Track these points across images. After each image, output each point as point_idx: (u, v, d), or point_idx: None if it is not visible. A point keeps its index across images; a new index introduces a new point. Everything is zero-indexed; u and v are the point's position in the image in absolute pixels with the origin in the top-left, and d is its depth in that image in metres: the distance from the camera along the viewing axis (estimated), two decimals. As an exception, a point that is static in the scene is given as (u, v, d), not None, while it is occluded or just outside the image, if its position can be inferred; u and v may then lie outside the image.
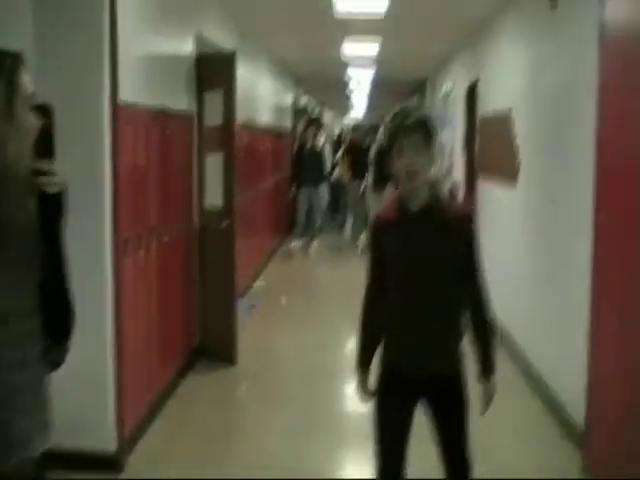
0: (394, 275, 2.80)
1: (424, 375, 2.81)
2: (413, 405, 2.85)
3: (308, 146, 11.88)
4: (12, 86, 1.68)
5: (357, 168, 12.22)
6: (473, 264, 2.81)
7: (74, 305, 1.92)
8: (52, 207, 1.80)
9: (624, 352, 3.63)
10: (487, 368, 2.85)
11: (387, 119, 2.85)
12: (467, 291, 2.82)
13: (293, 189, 11.75)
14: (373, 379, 2.92)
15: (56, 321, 1.88)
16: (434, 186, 2.78)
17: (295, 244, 11.67)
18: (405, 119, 2.71)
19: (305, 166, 11.61)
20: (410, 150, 2.66)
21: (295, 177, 11.82)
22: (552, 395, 5.01)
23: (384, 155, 3.14)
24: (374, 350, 2.95)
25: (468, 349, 2.84)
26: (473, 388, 2.84)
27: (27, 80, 1.74)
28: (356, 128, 13.95)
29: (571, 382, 4.54)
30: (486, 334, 2.85)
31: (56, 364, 1.93)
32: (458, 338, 2.83)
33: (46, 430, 1.85)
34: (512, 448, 4.50)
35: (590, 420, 4.11)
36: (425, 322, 2.76)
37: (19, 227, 1.72)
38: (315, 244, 11.98)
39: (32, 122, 1.73)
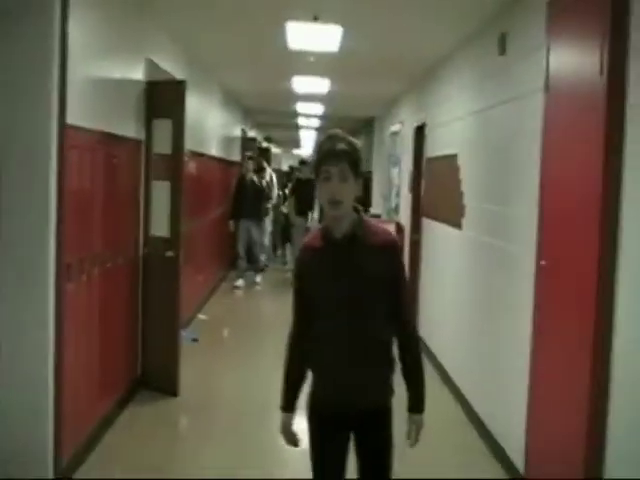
0: (319, 306, 2.74)
1: (352, 410, 2.77)
2: (346, 439, 2.82)
3: (248, 178, 11.69)
4: None
5: (302, 204, 12.42)
6: (400, 294, 2.76)
7: None
8: None
9: (563, 399, 3.71)
10: (417, 407, 2.82)
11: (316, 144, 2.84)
12: (396, 324, 2.77)
13: (231, 222, 11.50)
14: (298, 420, 2.90)
15: None
16: (358, 215, 2.74)
17: (239, 282, 11.51)
18: (333, 146, 2.67)
19: (245, 199, 11.43)
20: (336, 178, 2.63)
21: (233, 210, 11.57)
22: (493, 438, 5.05)
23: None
24: (299, 390, 2.89)
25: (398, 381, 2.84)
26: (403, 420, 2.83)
27: None
28: (303, 163, 14.00)
29: (512, 430, 4.60)
30: (416, 372, 2.82)
31: None
32: (387, 370, 2.80)
33: None
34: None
35: (529, 468, 4.19)
36: (351, 354, 2.70)
37: None
38: (257, 279, 11.89)
39: None
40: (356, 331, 2.69)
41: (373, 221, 2.86)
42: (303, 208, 12.53)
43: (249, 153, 12.44)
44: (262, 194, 11.92)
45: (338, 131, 2.77)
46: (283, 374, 2.92)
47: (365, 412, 2.78)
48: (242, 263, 11.59)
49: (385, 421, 2.82)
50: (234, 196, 11.58)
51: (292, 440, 2.91)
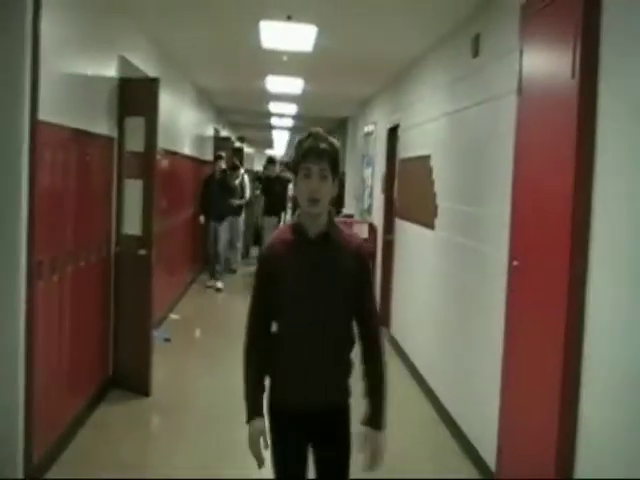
0: (283, 304, 2.71)
1: (312, 410, 2.75)
2: (306, 441, 2.79)
3: (217, 177, 11.50)
4: None
5: (272, 203, 12.39)
6: (367, 302, 2.76)
7: None
8: None
9: (534, 399, 3.75)
10: (376, 421, 2.74)
11: (297, 140, 2.80)
12: (361, 331, 2.76)
13: (202, 217, 11.29)
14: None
15: None
16: (331, 215, 2.76)
17: (220, 284, 11.35)
18: (315, 144, 2.68)
19: (212, 198, 11.24)
20: (317, 176, 2.65)
21: (201, 206, 11.38)
22: (466, 438, 5.10)
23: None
24: (263, 392, 2.79)
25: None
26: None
27: None
28: (271, 162, 13.70)
29: (483, 427, 4.66)
30: (379, 383, 2.75)
31: None
32: (347, 373, 2.79)
33: None
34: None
35: (500, 466, 4.24)
36: (313, 356, 2.69)
37: None
38: (219, 279, 11.46)
39: None
40: (323, 330, 2.68)
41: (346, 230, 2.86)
42: (273, 208, 12.50)
43: (220, 152, 12.27)
44: (231, 193, 11.79)
45: (320, 130, 2.77)
46: (244, 379, 2.84)
47: (324, 413, 2.76)
48: (210, 263, 11.54)
49: (344, 420, 2.81)
50: (201, 193, 11.40)
51: (260, 454, 2.72)
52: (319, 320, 2.67)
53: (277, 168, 13.67)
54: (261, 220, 12.52)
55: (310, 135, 2.73)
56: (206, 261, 11.92)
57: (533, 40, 3.99)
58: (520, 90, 4.14)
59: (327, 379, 2.74)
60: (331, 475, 2.80)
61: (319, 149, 2.66)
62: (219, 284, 11.37)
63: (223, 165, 11.69)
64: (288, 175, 12.48)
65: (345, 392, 2.80)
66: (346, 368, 2.78)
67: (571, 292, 3.30)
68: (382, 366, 2.77)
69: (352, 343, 2.78)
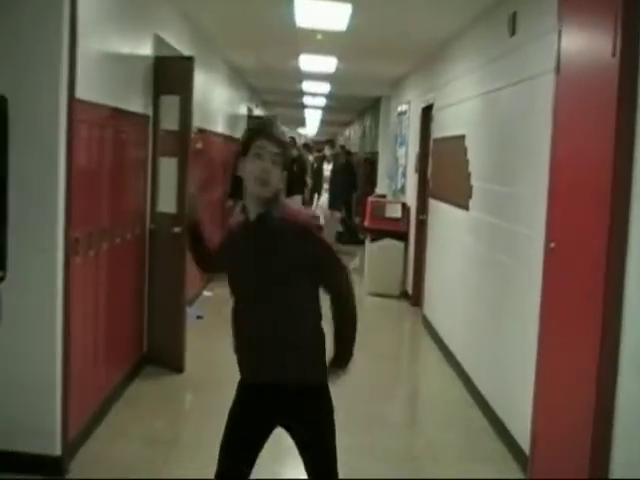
0: (231, 284, 2.83)
1: (275, 390, 2.75)
2: (266, 425, 2.81)
3: None
4: None
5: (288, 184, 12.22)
6: (327, 274, 2.76)
7: None
8: None
9: (570, 383, 3.73)
10: (336, 362, 2.81)
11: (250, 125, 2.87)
12: (327, 290, 2.78)
13: (230, 202, 10.67)
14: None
15: None
16: (277, 197, 2.72)
17: (210, 294, 10.46)
18: (270, 128, 2.71)
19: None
20: (269, 157, 2.65)
21: (232, 188, 10.75)
22: (499, 419, 5.07)
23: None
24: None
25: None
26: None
27: None
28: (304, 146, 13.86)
29: (517, 409, 4.64)
30: (341, 329, 2.78)
31: None
32: (309, 350, 2.77)
33: None
34: (456, 467, 4.56)
35: (534, 448, 4.20)
36: (260, 334, 2.75)
37: None
38: None
39: None
40: (268, 309, 2.72)
41: (295, 208, 2.84)
42: (290, 189, 11.80)
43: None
44: None
45: (276, 119, 2.87)
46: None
47: (291, 392, 2.74)
48: None
49: (316, 400, 2.78)
50: (232, 174, 10.83)
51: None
52: (264, 300, 2.71)
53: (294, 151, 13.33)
54: None
55: (267, 120, 2.83)
56: None
57: (572, 18, 3.93)
58: (558, 69, 4.08)
59: (280, 357, 2.74)
60: (311, 460, 2.79)
61: (273, 133, 2.70)
62: None
63: None
64: (310, 155, 12.39)
65: (311, 370, 2.77)
66: (307, 345, 2.76)
67: (609, 275, 3.26)
68: (345, 310, 2.79)
69: (313, 318, 2.77)
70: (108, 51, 4.81)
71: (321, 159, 20.08)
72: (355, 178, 15.78)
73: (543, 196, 4.22)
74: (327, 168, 19.22)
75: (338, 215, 15.19)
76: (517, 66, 5.10)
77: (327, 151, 23.32)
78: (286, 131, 26.08)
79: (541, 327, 4.19)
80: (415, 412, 5.70)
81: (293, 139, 14.25)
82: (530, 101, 4.74)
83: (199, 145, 8.13)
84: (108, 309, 4.92)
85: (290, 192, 11.82)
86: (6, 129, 3.74)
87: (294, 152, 13.07)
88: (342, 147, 16.57)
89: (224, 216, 10.80)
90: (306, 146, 14.01)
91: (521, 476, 4.37)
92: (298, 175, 12.58)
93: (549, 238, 4.10)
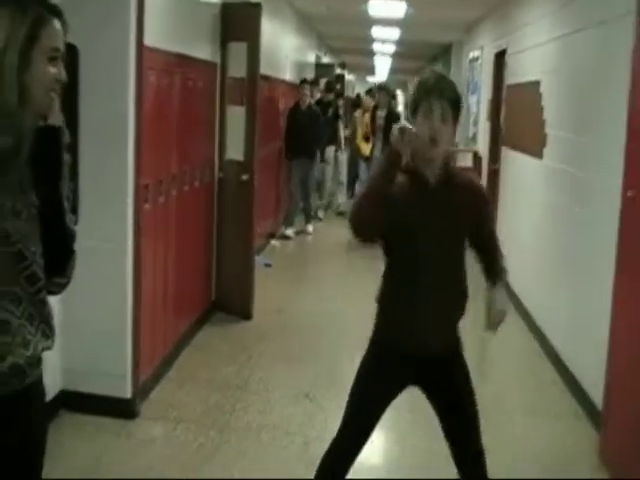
0: (399, 244, 2.65)
1: (423, 354, 2.68)
2: (399, 387, 2.75)
3: (304, 108, 9.73)
4: (34, 37, 1.74)
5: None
6: (488, 231, 2.79)
7: (70, 240, 1.92)
8: (52, 139, 1.82)
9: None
10: (495, 278, 2.79)
11: (417, 78, 2.74)
12: (481, 249, 2.79)
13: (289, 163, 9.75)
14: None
15: (51, 252, 1.89)
16: (449, 158, 2.67)
17: (289, 231, 9.79)
18: (439, 82, 2.59)
19: (299, 134, 9.52)
20: (438, 115, 2.54)
21: (287, 149, 9.72)
22: (571, 374, 5.00)
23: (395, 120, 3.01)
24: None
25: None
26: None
27: (53, 32, 1.78)
28: (382, 88, 11.36)
29: (590, 363, 4.55)
30: (498, 271, 2.80)
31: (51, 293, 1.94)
32: (461, 314, 2.75)
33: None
34: (526, 424, 4.51)
35: (608, 403, 4.10)
36: (431, 297, 2.64)
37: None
38: (309, 228, 10.18)
39: (50, 72, 1.79)
40: (438, 274, 2.64)
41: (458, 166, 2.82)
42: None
43: (306, 78, 10.54)
44: (324, 123, 10.23)
45: (441, 71, 2.72)
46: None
47: (437, 358, 2.70)
48: (293, 207, 9.88)
49: (461, 362, 2.76)
50: (286, 132, 9.72)
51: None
52: (437, 262, 2.62)
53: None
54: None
55: (433, 74, 2.65)
56: (288, 211, 10.05)
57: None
58: (639, 10, 3.90)
59: (452, 329, 2.72)
60: (465, 418, 2.73)
61: (442, 89, 2.57)
62: (290, 231, 9.84)
63: (309, 92, 9.93)
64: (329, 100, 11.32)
65: (458, 336, 2.77)
66: (462, 310, 2.74)
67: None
68: (501, 259, 2.82)
69: (466, 283, 2.74)
70: (176, -3, 4.81)
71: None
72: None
73: (621, 144, 4.08)
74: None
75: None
76: (595, 7, 4.92)
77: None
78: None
79: (616, 279, 4.08)
80: (484, 363, 5.67)
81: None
82: (608, 44, 4.58)
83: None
84: (177, 257, 5.00)
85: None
86: (77, 78, 3.80)
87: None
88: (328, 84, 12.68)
89: (278, 175, 9.87)
90: (327, 85, 12.29)
91: (593, 433, 4.31)
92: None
93: (627, 186, 3.97)
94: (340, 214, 11.21)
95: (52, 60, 1.79)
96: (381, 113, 10.27)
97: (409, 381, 2.76)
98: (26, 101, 1.74)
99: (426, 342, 2.67)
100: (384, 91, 10.75)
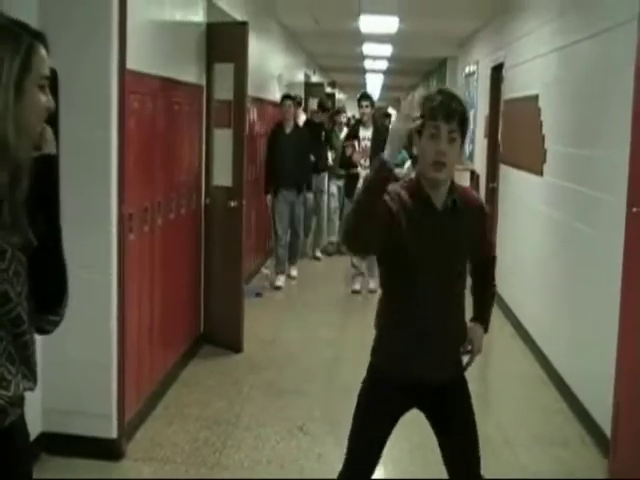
0: (398, 272, 2.66)
1: (421, 384, 2.70)
2: (399, 413, 2.77)
3: (288, 130, 8.47)
4: (26, 66, 1.73)
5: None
6: (485, 245, 2.87)
7: (66, 276, 1.92)
8: (48, 168, 1.82)
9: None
10: (481, 318, 2.85)
11: (420, 95, 2.73)
12: (479, 257, 2.85)
13: (269, 198, 8.38)
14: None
15: (46, 289, 1.88)
16: (453, 182, 2.67)
17: (280, 281, 8.45)
18: (446, 102, 2.54)
19: (282, 162, 8.22)
20: (445, 137, 2.51)
21: (267, 179, 8.41)
22: (576, 399, 4.99)
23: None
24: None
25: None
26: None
27: (41, 60, 1.79)
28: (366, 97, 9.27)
29: (597, 387, 4.54)
30: (491, 288, 2.92)
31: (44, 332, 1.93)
32: (461, 338, 2.78)
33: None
34: (532, 453, 4.49)
35: (616, 429, 4.09)
36: (430, 323, 2.64)
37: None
38: (293, 272, 8.91)
39: (42, 101, 1.79)
40: (438, 298, 2.65)
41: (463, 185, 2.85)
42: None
43: (288, 93, 9.34)
44: (307, 149, 8.72)
45: (449, 88, 2.74)
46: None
47: (436, 386, 2.71)
48: (281, 251, 8.49)
49: (461, 388, 2.78)
50: (265, 161, 8.45)
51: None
52: (437, 285, 2.64)
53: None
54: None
55: (440, 92, 2.61)
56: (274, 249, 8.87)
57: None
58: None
59: (441, 350, 2.70)
60: (463, 444, 2.77)
61: (450, 107, 2.53)
62: (281, 281, 8.47)
63: (293, 110, 8.64)
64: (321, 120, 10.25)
65: (458, 360, 2.79)
66: (462, 334, 2.79)
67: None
68: (493, 272, 2.92)
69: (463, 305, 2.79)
70: (159, 19, 4.83)
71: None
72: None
73: (625, 158, 4.10)
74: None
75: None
76: (595, 16, 4.97)
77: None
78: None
79: (623, 299, 4.08)
80: (486, 390, 5.65)
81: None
82: (610, 54, 4.61)
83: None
84: (164, 287, 4.99)
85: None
86: (57, 102, 3.79)
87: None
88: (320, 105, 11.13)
89: (259, 206, 8.71)
90: (320, 105, 11.30)
91: (601, 460, 4.29)
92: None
93: (631, 202, 3.98)
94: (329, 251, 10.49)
95: (41, 88, 1.79)
96: (365, 133, 8.28)
97: (410, 407, 2.79)
98: (21, 133, 1.74)
99: (423, 376, 2.68)
100: (368, 101, 8.37)
